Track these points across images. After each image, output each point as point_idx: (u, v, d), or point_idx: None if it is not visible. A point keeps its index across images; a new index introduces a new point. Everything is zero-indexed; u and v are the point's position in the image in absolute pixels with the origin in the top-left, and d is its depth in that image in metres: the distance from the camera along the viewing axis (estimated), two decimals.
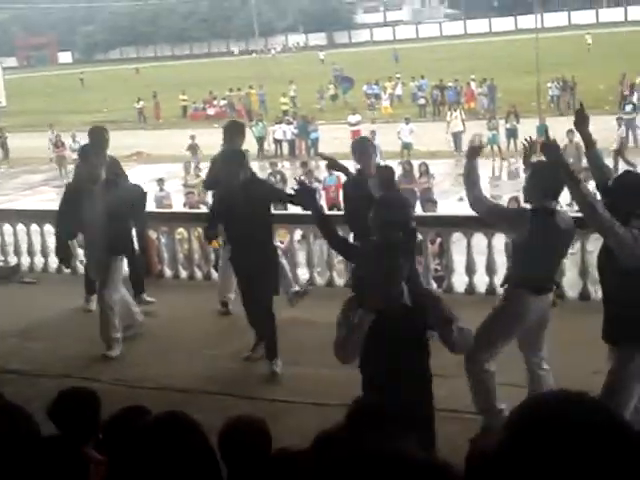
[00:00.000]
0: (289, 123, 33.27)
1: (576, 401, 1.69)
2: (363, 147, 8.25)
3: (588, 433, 1.60)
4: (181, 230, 11.92)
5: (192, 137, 30.40)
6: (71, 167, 30.31)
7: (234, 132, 9.32)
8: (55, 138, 32.41)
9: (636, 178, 5.41)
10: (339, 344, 4.70)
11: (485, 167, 27.20)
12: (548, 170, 5.78)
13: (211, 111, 46.16)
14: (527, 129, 28.28)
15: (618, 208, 5.17)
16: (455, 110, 31.52)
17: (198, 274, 11.29)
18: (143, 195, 9.14)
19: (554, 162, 5.53)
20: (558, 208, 6.12)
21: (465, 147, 28.08)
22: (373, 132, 27.08)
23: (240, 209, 7.46)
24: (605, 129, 28.33)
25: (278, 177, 22.45)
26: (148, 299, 9.80)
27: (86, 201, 8.28)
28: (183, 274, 11.31)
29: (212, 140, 30.48)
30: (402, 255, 4.77)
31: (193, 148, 30.15)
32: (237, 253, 7.92)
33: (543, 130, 27.15)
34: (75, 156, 29.74)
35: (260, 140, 33.29)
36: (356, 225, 7.71)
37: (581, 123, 6.05)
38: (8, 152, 37.86)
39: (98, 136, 9.48)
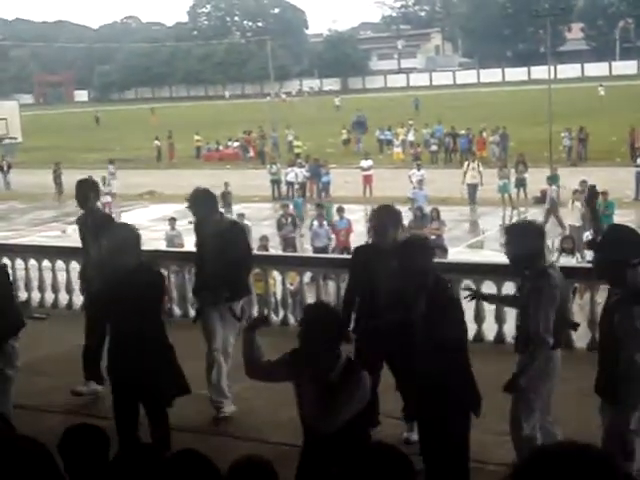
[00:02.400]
0: (301, 166, 33.47)
1: (583, 453, 1.69)
2: (380, 217, 7.10)
3: None
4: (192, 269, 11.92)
5: (226, 184, 28.63)
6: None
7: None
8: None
9: (627, 230, 5.43)
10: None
11: (495, 215, 27.29)
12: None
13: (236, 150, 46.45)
14: (538, 178, 28.51)
15: (612, 261, 5.17)
16: (473, 161, 30.90)
17: None
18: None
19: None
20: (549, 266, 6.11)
21: (480, 201, 28.40)
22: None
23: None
24: (616, 180, 28.48)
25: (289, 219, 22.50)
26: None
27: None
28: (192, 313, 11.30)
29: (224, 181, 30.81)
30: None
31: (226, 196, 28.15)
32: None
33: (555, 180, 26.92)
34: (104, 200, 29.06)
35: (274, 183, 33.50)
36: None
37: None
38: (62, 187, 36.71)
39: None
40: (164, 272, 11.72)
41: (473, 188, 29.41)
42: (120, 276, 6.42)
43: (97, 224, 8.40)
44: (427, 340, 5.27)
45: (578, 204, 21.83)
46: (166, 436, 6.52)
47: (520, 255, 5.96)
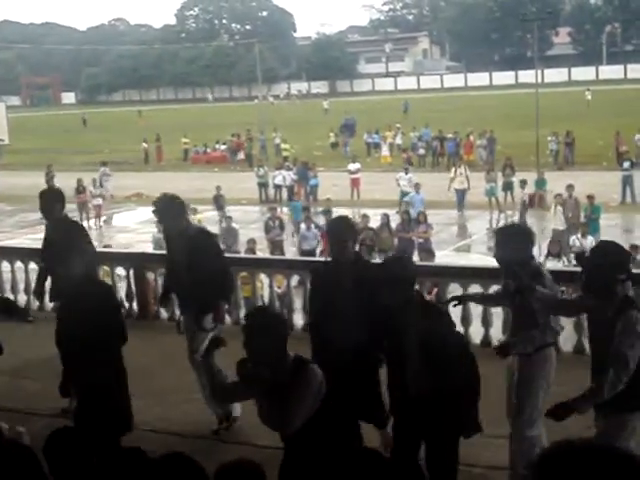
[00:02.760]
0: (289, 169, 33.46)
1: (609, 450, 1.70)
2: (338, 230, 6.57)
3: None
4: None
5: (218, 188, 28.76)
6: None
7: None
8: (77, 183, 31.09)
9: (613, 246, 5.50)
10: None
11: (483, 219, 27.37)
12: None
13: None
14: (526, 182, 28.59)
15: (600, 277, 5.24)
16: (460, 166, 30.18)
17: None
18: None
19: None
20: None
21: (467, 204, 28.32)
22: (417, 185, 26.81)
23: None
24: (603, 184, 28.63)
25: (277, 222, 22.50)
26: None
27: None
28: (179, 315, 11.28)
29: (213, 184, 30.77)
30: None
31: (218, 199, 28.52)
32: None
33: (542, 184, 27.00)
34: (95, 202, 30.23)
35: (262, 186, 33.47)
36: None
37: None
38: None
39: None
40: (151, 275, 11.73)
41: (461, 193, 29.15)
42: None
43: (66, 236, 8.04)
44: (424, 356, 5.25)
45: (560, 208, 21.92)
46: None
47: (509, 258, 6.03)
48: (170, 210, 7.68)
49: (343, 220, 6.79)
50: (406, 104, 66.95)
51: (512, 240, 6.07)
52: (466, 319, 9.80)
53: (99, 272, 10.10)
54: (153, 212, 8.16)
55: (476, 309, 9.79)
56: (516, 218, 27.24)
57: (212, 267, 7.45)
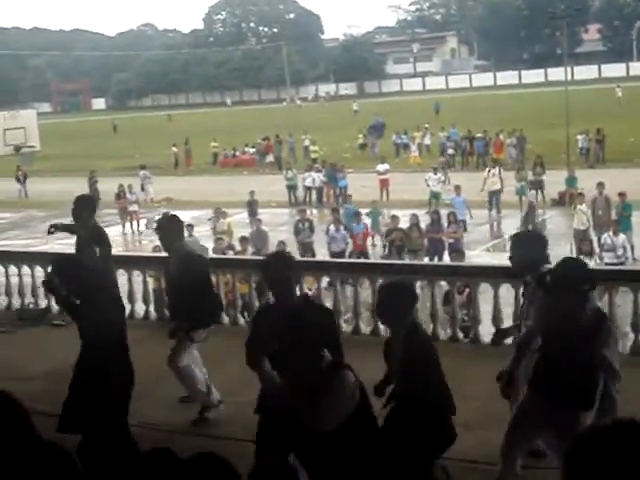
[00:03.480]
0: (318, 171, 33.49)
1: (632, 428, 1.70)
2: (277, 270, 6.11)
3: None
4: None
5: (251, 193, 28.44)
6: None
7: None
8: (118, 189, 31.14)
9: (576, 263, 5.84)
10: None
11: (513, 218, 27.19)
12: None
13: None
14: (556, 180, 28.39)
15: (570, 297, 5.36)
16: (494, 167, 29.30)
17: (225, 319, 11.33)
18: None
19: None
20: None
21: (501, 206, 28.00)
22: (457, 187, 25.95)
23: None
24: (635, 181, 28.31)
25: (306, 224, 22.51)
26: None
27: None
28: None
29: (242, 187, 30.90)
30: None
31: (252, 204, 28.18)
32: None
33: (572, 182, 26.70)
34: (132, 207, 30.21)
35: (290, 188, 33.50)
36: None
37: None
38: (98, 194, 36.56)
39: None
40: None
41: (494, 195, 28.42)
42: None
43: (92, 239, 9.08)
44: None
45: (582, 207, 21.65)
46: None
47: (523, 263, 6.24)
48: (166, 231, 8.08)
49: (280, 255, 6.73)
50: (437, 105, 66.50)
51: (525, 245, 6.28)
52: (497, 318, 9.76)
53: (113, 276, 10.44)
54: (155, 230, 8.66)
55: (508, 308, 9.76)
56: (547, 217, 27.08)
57: (192, 290, 7.69)
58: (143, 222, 30.27)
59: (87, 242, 9.27)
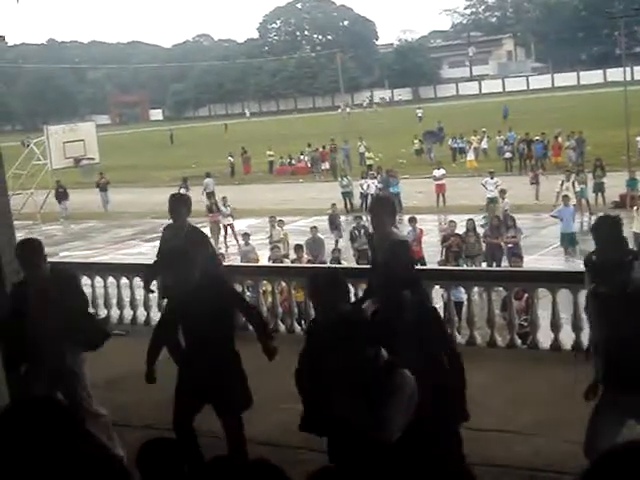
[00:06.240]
0: (373, 177, 33.44)
1: None
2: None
3: None
4: (265, 283, 12.05)
5: (333, 206, 27.20)
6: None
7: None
8: (210, 202, 29.54)
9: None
10: None
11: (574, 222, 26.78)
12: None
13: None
14: (616, 182, 27.95)
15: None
16: (568, 180, 26.78)
17: (281, 327, 11.36)
18: None
19: None
20: None
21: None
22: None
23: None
24: None
25: (362, 231, 22.47)
26: None
27: None
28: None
29: (298, 195, 31.01)
30: None
31: (334, 219, 26.55)
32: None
33: (633, 184, 26.12)
34: (226, 221, 28.35)
35: (346, 195, 33.43)
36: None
37: None
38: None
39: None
40: (238, 287, 11.86)
41: (569, 209, 23.83)
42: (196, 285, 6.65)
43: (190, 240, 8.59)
44: None
45: None
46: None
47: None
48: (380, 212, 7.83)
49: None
50: (506, 109, 64.32)
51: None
52: (556, 324, 9.63)
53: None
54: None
55: (566, 314, 9.61)
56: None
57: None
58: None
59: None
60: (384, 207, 7.85)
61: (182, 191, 30.85)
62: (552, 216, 23.73)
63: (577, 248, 21.55)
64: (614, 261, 5.61)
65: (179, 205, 8.99)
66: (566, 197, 23.93)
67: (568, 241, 22.40)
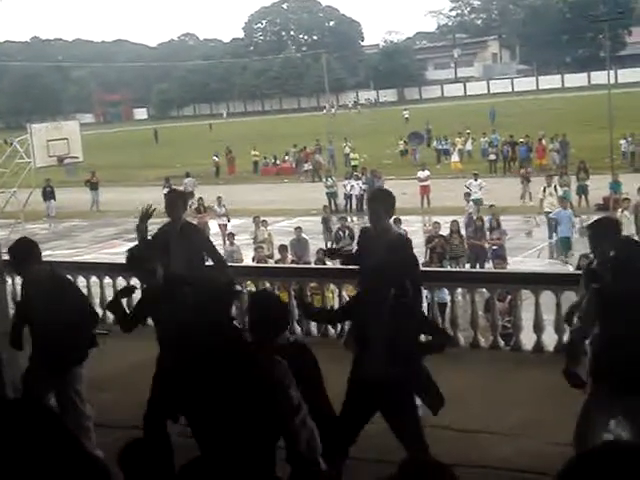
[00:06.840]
0: (358, 178, 33.45)
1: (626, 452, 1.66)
2: None
3: None
4: (249, 283, 12.02)
5: (325, 208, 27.32)
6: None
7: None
8: (197, 202, 29.25)
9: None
10: None
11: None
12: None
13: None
14: (600, 185, 28.08)
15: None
16: (549, 185, 26.03)
17: None
18: None
19: None
20: None
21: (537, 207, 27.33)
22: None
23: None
24: None
25: (347, 232, 22.48)
26: None
27: None
28: None
29: (282, 196, 30.97)
30: None
31: (327, 221, 26.26)
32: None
33: (616, 187, 26.09)
34: (220, 221, 27.95)
35: (330, 196, 33.37)
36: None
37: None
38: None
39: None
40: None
41: (553, 220, 23.56)
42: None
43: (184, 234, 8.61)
44: None
45: (627, 213, 21.27)
46: None
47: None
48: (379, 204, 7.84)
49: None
50: (492, 111, 62.03)
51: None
52: (539, 325, 9.65)
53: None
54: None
55: (549, 316, 9.64)
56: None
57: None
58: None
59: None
60: (384, 199, 7.64)
61: (165, 191, 30.66)
62: (550, 218, 23.75)
63: (569, 252, 21.49)
64: (616, 261, 5.66)
65: (175, 200, 9.00)
66: (564, 200, 23.96)
67: (563, 245, 22.18)
